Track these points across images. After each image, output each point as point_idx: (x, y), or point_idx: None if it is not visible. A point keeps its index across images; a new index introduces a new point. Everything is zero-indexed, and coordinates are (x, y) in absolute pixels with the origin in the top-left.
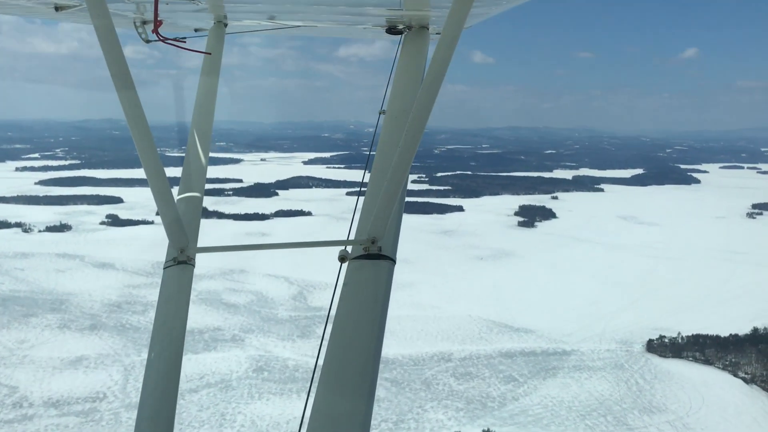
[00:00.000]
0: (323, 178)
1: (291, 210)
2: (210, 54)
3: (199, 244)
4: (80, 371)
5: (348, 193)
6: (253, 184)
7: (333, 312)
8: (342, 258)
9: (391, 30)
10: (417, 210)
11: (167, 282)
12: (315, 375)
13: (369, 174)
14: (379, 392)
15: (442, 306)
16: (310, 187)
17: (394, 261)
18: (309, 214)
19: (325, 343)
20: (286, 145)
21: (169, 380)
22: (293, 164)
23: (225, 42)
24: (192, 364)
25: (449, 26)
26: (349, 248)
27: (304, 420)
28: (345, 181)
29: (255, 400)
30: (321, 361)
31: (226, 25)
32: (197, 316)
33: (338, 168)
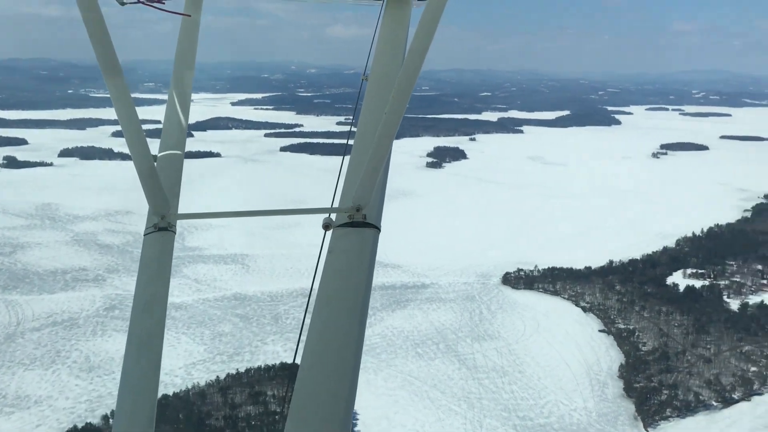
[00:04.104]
0: (245, 119)
1: (199, 151)
2: (189, 16)
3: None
4: None
5: (266, 135)
6: None
7: (317, 280)
8: (326, 226)
9: None
10: (330, 151)
11: (148, 249)
12: (301, 340)
13: (352, 141)
14: (225, 327)
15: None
16: (230, 128)
17: (378, 229)
18: (218, 155)
19: (310, 311)
20: (219, 86)
21: (152, 347)
22: (221, 105)
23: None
24: (43, 304)
25: None
26: (334, 216)
27: (289, 392)
28: (267, 123)
29: (97, 337)
30: (306, 329)
31: None
32: (64, 258)
33: (266, 109)
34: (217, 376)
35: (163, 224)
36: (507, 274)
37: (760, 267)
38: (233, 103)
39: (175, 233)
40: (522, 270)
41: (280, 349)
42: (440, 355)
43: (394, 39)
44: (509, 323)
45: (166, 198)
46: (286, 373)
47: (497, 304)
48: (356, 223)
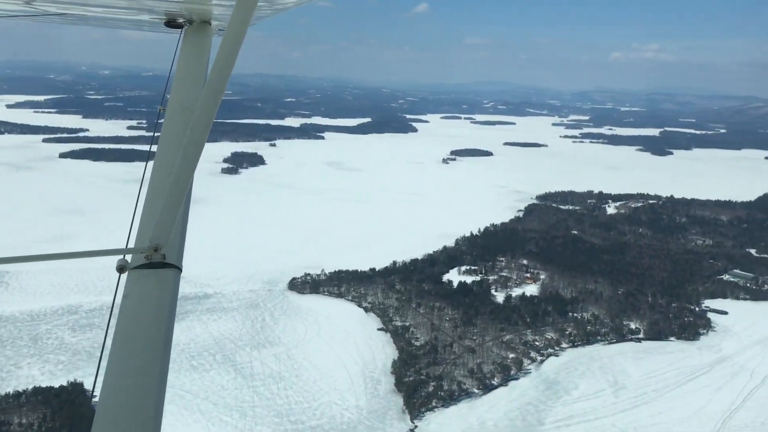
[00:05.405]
0: (21, 123)
1: None
2: None
3: None
4: None
5: (45, 140)
6: None
7: (112, 328)
8: (121, 268)
9: (171, 23)
10: (117, 157)
11: None
12: (96, 390)
13: (149, 175)
14: None
15: (95, 258)
16: (2, 132)
17: (180, 269)
18: None
19: (104, 361)
20: None
21: None
22: None
23: None
24: None
25: (234, 23)
26: (129, 257)
27: None
28: (47, 127)
29: None
30: (101, 380)
31: None
32: None
33: (49, 113)
34: None
35: None
36: (294, 279)
37: (525, 262)
38: (9, 105)
39: None
40: (309, 274)
41: (36, 372)
42: (216, 366)
43: (193, 67)
44: (291, 328)
45: None
46: (39, 398)
47: (281, 310)
48: (155, 264)
